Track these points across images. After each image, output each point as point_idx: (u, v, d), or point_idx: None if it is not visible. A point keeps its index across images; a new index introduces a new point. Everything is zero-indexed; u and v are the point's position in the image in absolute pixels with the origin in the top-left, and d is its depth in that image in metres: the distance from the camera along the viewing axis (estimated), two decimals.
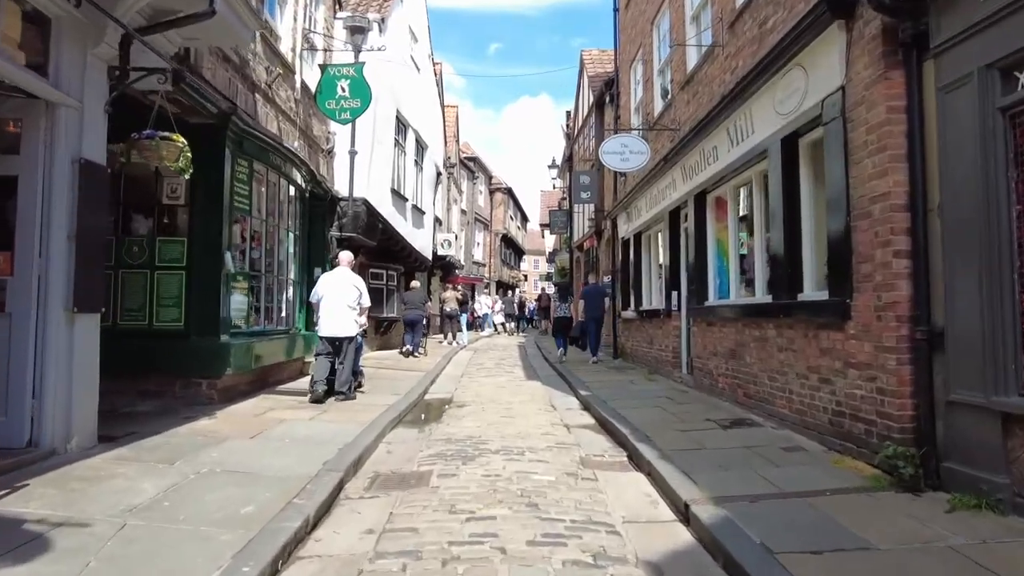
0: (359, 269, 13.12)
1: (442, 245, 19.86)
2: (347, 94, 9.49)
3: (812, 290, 5.56)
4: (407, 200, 14.07)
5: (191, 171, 5.06)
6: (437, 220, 20.64)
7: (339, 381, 7.87)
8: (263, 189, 8.34)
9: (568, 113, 23.99)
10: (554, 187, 24.51)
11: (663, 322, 10.01)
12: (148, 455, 4.54)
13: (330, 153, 11.15)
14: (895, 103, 4.17)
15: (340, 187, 11.33)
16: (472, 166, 30.48)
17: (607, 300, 13.39)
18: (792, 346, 5.61)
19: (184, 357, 6.58)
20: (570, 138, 20.71)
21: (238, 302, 7.31)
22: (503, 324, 28.18)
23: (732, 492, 4.01)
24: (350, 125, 10.83)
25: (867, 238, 4.45)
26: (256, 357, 7.58)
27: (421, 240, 15.81)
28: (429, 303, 17.32)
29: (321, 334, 8.06)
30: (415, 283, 15.36)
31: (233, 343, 6.84)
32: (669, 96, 9.76)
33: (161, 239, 6.83)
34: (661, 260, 10.68)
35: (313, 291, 8.26)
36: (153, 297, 6.75)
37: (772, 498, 3.92)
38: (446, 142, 22.31)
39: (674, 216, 9.59)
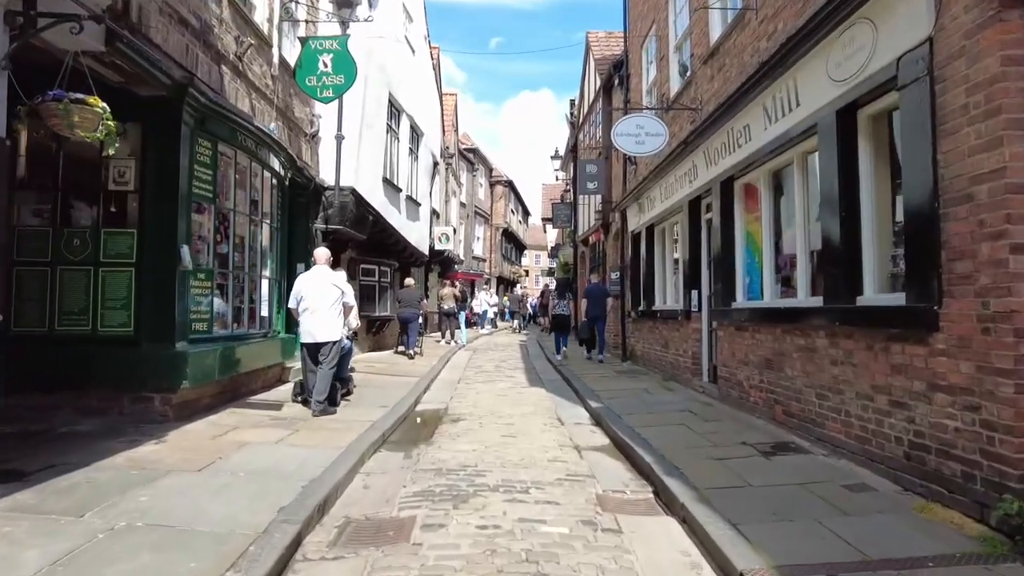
0: (347, 265, 12.20)
1: (440, 239, 18.91)
2: (329, 69, 8.53)
3: (875, 292, 4.61)
4: (401, 190, 13.12)
5: (116, 145, 4.12)
6: (434, 213, 19.68)
7: (316, 390, 6.99)
8: (235, 175, 7.41)
9: (572, 102, 22.98)
10: (557, 179, 23.53)
11: (680, 324, 9.06)
12: (55, 502, 3.60)
13: (314, 138, 10.19)
14: (1013, 52, 3.22)
15: (326, 175, 10.38)
16: (472, 158, 29.50)
17: (610, 300, 12.97)
18: (851, 359, 4.67)
19: (133, 367, 5.66)
20: (574, 127, 19.72)
21: (200, 303, 6.37)
22: (513, 321, 27.51)
23: (800, 557, 3.08)
24: (336, 107, 9.88)
25: (965, 229, 3.50)
26: (223, 366, 6.65)
27: (417, 233, 14.87)
28: (426, 301, 16.40)
29: (302, 340, 7.21)
30: (410, 280, 14.49)
31: (192, 351, 5.90)
32: (688, 73, 8.79)
33: (107, 231, 5.89)
34: (678, 255, 9.73)
35: (291, 294, 7.39)
36: (97, 298, 5.81)
37: (857, 570, 2.99)
38: (444, 131, 21.33)
39: (694, 206, 8.63)
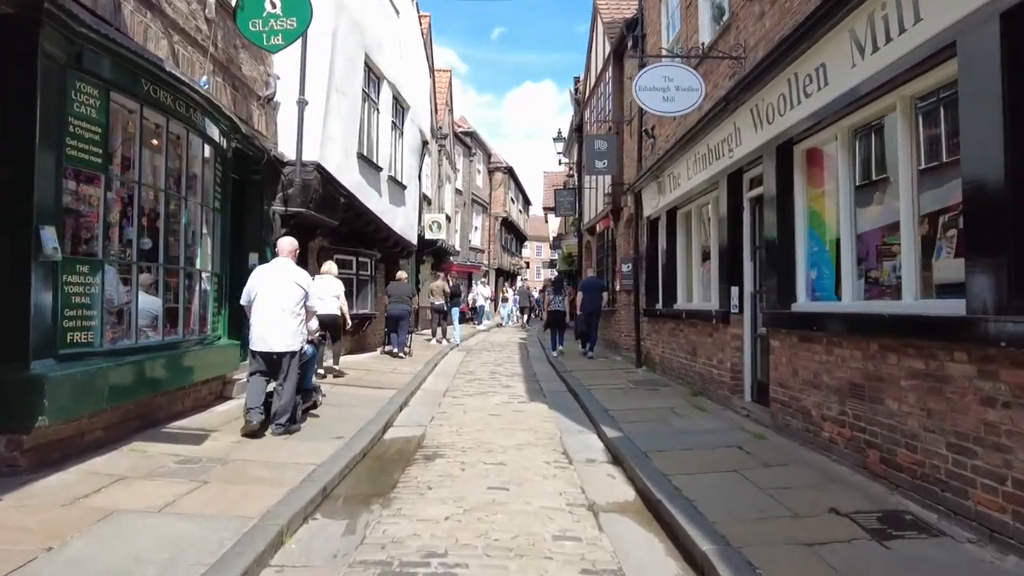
0: (317, 255, 10.52)
1: (431, 227, 17.23)
2: (278, 10, 6.82)
3: None
4: (381, 170, 11.41)
5: None
6: (425, 199, 17.99)
7: (278, 410, 5.73)
8: (145, 139, 5.73)
9: (576, 79, 21.22)
10: (560, 163, 21.78)
11: (714, 328, 7.39)
12: None
13: (270, 102, 8.48)
14: None
15: (287, 148, 8.69)
16: (468, 142, 27.74)
17: (605, 294, 12.75)
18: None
19: None
20: (580, 104, 17.98)
21: (82, 305, 4.69)
22: (517, 317, 25.79)
23: None
24: (298, 66, 8.16)
25: None
26: (121, 388, 4.99)
27: (403, 220, 13.18)
28: (416, 296, 14.77)
29: (253, 347, 5.83)
30: (402, 273, 12.88)
31: (56, 373, 4.24)
32: (727, 16, 7.08)
33: None
34: (709, 243, 8.04)
35: (245, 289, 5.94)
36: None
37: None
38: (436, 109, 19.60)
39: (734, 182, 6.95)
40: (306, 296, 5.95)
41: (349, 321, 9.59)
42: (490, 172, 32.79)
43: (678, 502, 3.98)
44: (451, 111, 23.02)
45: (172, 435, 5.47)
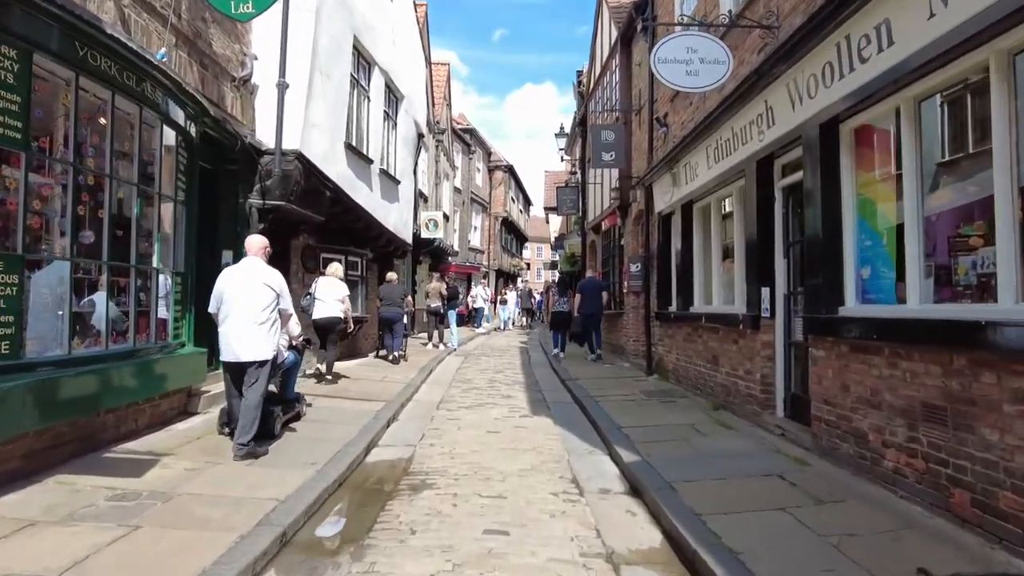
0: (301, 254, 9.72)
1: (427, 225, 16.42)
2: None
3: None
4: (372, 162, 10.61)
5: None
6: (421, 196, 17.19)
7: (239, 427, 4.99)
8: (100, 120, 4.97)
9: (579, 73, 20.43)
10: (562, 159, 20.97)
11: (740, 334, 6.58)
12: None
13: (245, 84, 7.68)
14: None
15: (265, 136, 7.89)
16: (468, 139, 26.95)
17: (605, 294, 12.42)
18: None
19: None
20: (583, 97, 17.19)
21: None
22: (520, 319, 24.74)
23: None
24: (278, 46, 7.40)
25: None
26: (45, 408, 4.19)
27: (396, 217, 12.38)
28: (410, 297, 13.96)
29: (222, 358, 5.24)
30: (392, 275, 12.15)
31: None
32: None
33: None
34: (731, 240, 7.24)
35: (213, 293, 5.30)
36: None
37: None
38: (433, 103, 18.80)
39: (763, 170, 6.14)
40: (278, 299, 5.26)
41: (351, 325, 8.98)
42: (490, 171, 31.98)
43: (719, 555, 3.19)
44: (449, 106, 22.23)
45: (114, 462, 4.67)
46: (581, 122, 17.03)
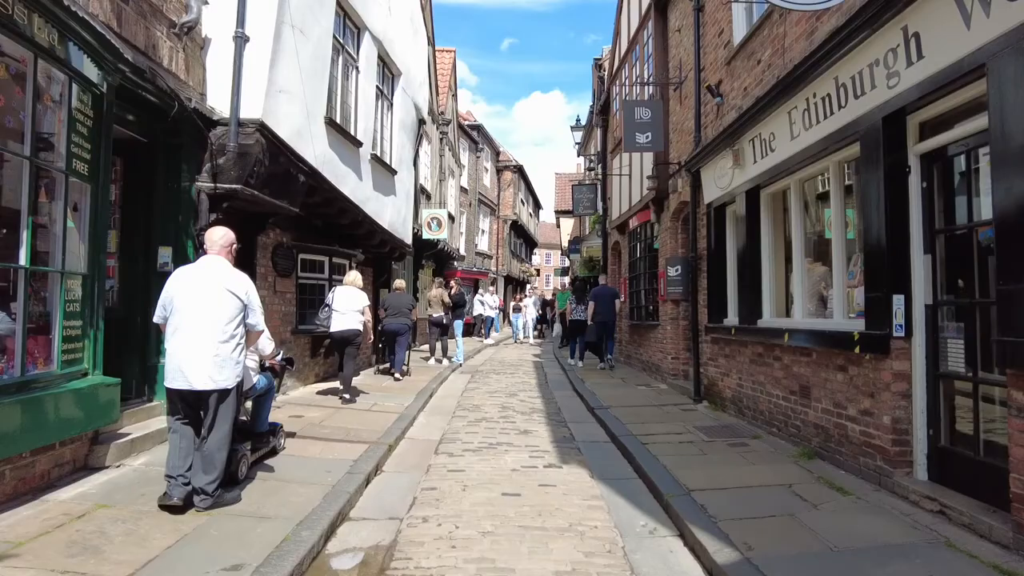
0: (271, 255, 7.99)
1: (429, 225, 14.68)
2: None
3: None
4: (361, 145, 8.88)
5: None
6: (423, 192, 15.47)
7: (199, 471, 3.93)
8: None
9: (596, 61, 18.73)
10: (578, 155, 19.21)
11: (852, 359, 4.78)
12: None
13: (189, 33, 5.96)
14: None
15: (220, 102, 6.21)
16: (475, 136, 25.26)
17: (618, 302, 12.24)
18: None
19: None
20: (603, 83, 15.46)
21: None
22: (536, 331, 21.37)
23: None
24: None
25: None
26: None
27: (392, 213, 10.65)
28: (415, 307, 12.24)
29: (168, 384, 4.00)
30: (399, 282, 10.62)
31: None
32: None
33: None
34: (831, 230, 5.44)
35: (159, 301, 4.11)
36: None
37: None
38: (436, 90, 17.11)
39: (892, 131, 4.35)
40: (245, 310, 4.09)
41: (372, 337, 8.57)
42: (498, 171, 30.26)
43: None
44: (455, 96, 20.54)
45: None
46: (601, 110, 15.29)
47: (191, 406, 4.02)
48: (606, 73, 15.35)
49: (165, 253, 5.85)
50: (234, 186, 6.15)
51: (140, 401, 5.63)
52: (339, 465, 5.06)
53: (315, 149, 7.47)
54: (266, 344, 4.84)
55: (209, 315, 3.93)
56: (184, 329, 3.91)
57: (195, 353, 3.88)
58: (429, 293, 12.96)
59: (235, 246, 4.41)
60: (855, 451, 4.71)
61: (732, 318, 7.49)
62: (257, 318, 4.17)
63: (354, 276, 8.22)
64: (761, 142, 6.32)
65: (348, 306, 7.83)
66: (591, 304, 11.87)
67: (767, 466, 5.12)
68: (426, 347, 13.83)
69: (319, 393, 8.41)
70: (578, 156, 19.59)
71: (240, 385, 4.17)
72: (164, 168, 5.89)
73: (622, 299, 13.10)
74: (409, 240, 12.08)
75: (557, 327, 17.50)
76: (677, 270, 9.38)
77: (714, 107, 7.85)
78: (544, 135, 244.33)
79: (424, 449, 6.12)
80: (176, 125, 5.76)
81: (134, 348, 5.68)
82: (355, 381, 8.65)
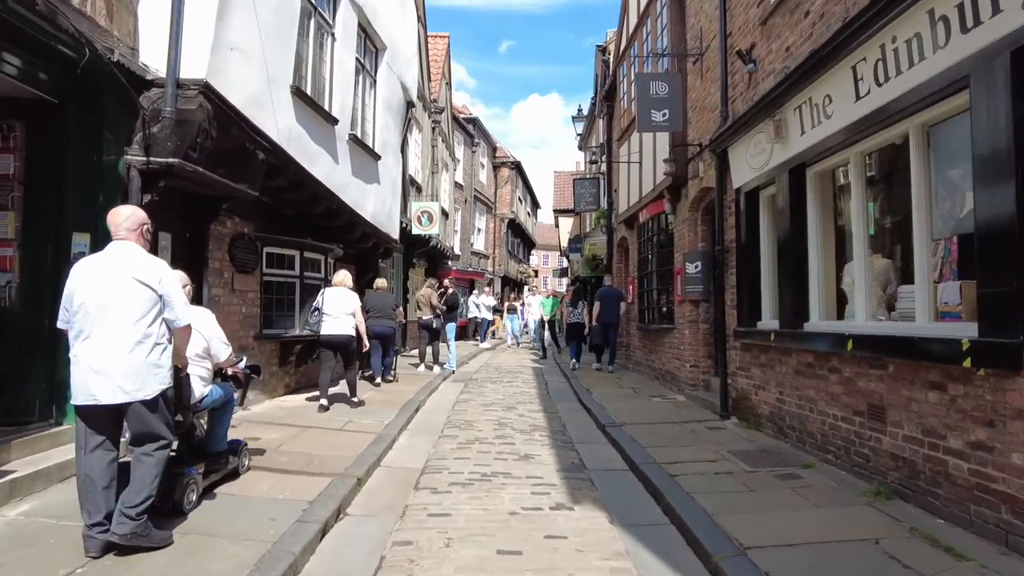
0: (229, 247, 6.88)
1: (419, 219, 13.56)
2: None
3: None
4: (337, 122, 7.76)
5: None
6: (413, 184, 14.35)
7: (127, 494, 3.19)
8: None
9: (599, 47, 17.66)
10: (579, 147, 18.10)
11: (958, 376, 3.68)
12: None
13: None
14: None
15: (156, 59, 5.09)
16: (471, 129, 24.15)
17: (623, 304, 11.78)
18: None
19: None
20: (608, 67, 14.36)
21: None
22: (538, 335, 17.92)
23: None
24: None
25: None
26: None
27: (375, 203, 9.52)
28: (400, 308, 11.14)
29: (75, 402, 3.26)
30: (381, 281, 9.73)
31: None
32: None
33: None
34: (913, 209, 4.31)
35: (62, 300, 3.36)
36: None
37: None
38: (428, 76, 16.01)
39: (1020, 70, 3.25)
40: (161, 303, 3.36)
41: (367, 343, 7.80)
42: (495, 168, 29.14)
43: None
44: (449, 85, 19.40)
45: None
46: (606, 96, 14.19)
47: (98, 427, 3.23)
48: (611, 57, 14.27)
49: (81, 241, 4.74)
50: (171, 160, 5.03)
51: (45, 425, 4.51)
52: (289, 509, 3.94)
53: (279, 122, 6.35)
54: (220, 349, 4.22)
55: (116, 312, 3.21)
56: (88, 332, 3.21)
57: (101, 360, 3.17)
58: (418, 293, 11.85)
59: (147, 227, 3.58)
60: (961, 495, 3.61)
61: (768, 321, 6.41)
62: (178, 312, 3.41)
63: (343, 276, 7.56)
64: (811, 109, 5.23)
65: (340, 309, 7.21)
66: (597, 304, 11.50)
67: (835, 510, 4.01)
68: (416, 352, 12.69)
69: (286, 408, 7.28)
70: (579, 149, 18.48)
71: (166, 395, 3.40)
72: (80, 136, 4.79)
73: (629, 300, 12.09)
74: (396, 235, 10.97)
75: (546, 335, 16.11)
76: (697, 266, 8.28)
77: (744, 77, 6.76)
78: (542, 138, 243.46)
79: (402, 482, 4.99)
80: (97, 83, 4.67)
81: (39, 359, 4.56)
82: (331, 391, 7.55)
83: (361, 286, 10.82)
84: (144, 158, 4.99)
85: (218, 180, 5.60)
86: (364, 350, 7.79)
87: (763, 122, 6.05)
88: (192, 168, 5.20)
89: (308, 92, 7.04)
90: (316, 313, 7.22)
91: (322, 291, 7.47)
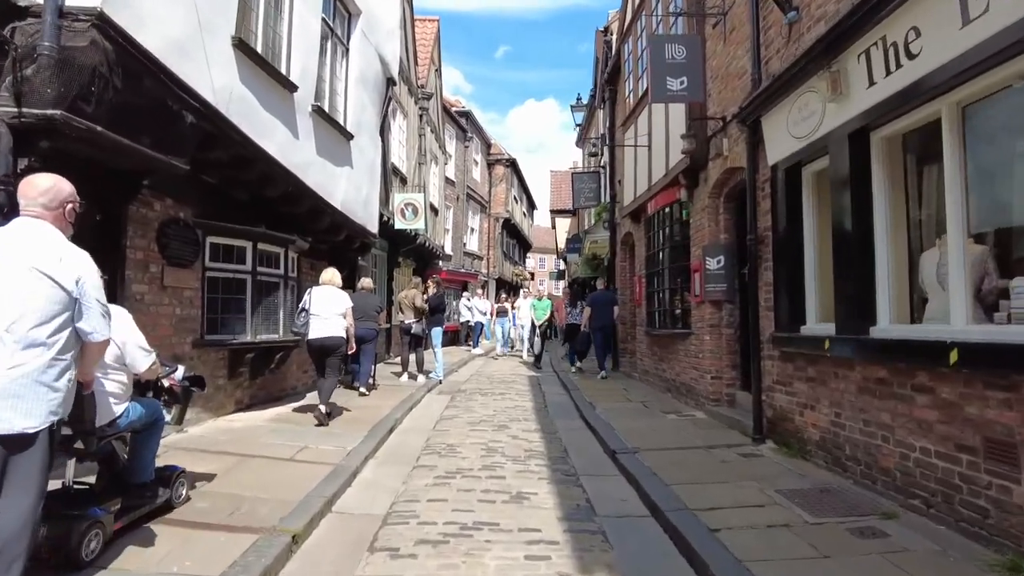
0: (159, 235, 5.65)
1: (403, 212, 12.33)
2: None
3: None
4: (296, 89, 6.55)
5: None
6: (397, 174, 13.15)
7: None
8: None
9: (599, 31, 16.53)
10: (577, 142, 16.94)
11: None
12: None
13: None
14: None
15: None
16: (463, 123, 22.95)
17: (616, 308, 11.70)
18: None
19: None
20: (612, 45, 13.18)
21: None
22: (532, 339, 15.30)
23: None
24: None
25: None
26: None
27: (347, 190, 8.29)
28: (382, 311, 9.96)
29: None
30: (366, 281, 9.00)
31: None
32: None
33: None
34: None
35: None
36: None
37: None
38: (416, 59, 14.82)
39: None
40: (75, 307, 2.54)
41: (355, 346, 7.28)
42: (489, 165, 27.92)
43: None
44: (438, 72, 18.20)
45: None
46: (609, 80, 13.02)
47: None
48: (614, 36, 13.11)
49: None
50: (51, 111, 3.82)
51: None
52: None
53: (215, 80, 5.14)
54: (138, 357, 3.34)
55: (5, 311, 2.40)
56: None
57: None
58: (400, 295, 10.66)
59: (74, 207, 2.76)
60: None
61: (814, 324, 5.24)
62: (95, 323, 2.59)
63: (331, 274, 7.07)
64: (888, 50, 4.05)
65: (330, 309, 6.74)
66: (587, 310, 11.64)
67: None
68: (399, 359, 11.45)
69: (232, 431, 6.06)
70: (577, 145, 17.34)
71: (52, 429, 2.49)
72: None
73: (636, 301, 10.94)
74: (374, 227, 9.75)
75: (537, 341, 14.48)
76: (719, 262, 7.11)
77: (782, 31, 5.59)
78: (538, 141, 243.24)
79: (355, 538, 3.78)
80: None
81: None
82: (273, 419, 6.39)
83: (350, 284, 9.65)
84: (14, 109, 3.79)
85: (129, 145, 4.39)
86: (351, 351, 7.25)
87: (812, 77, 4.88)
88: (85, 125, 3.98)
89: (257, 48, 5.84)
90: (303, 314, 6.71)
91: (309, 290, 6.90)
